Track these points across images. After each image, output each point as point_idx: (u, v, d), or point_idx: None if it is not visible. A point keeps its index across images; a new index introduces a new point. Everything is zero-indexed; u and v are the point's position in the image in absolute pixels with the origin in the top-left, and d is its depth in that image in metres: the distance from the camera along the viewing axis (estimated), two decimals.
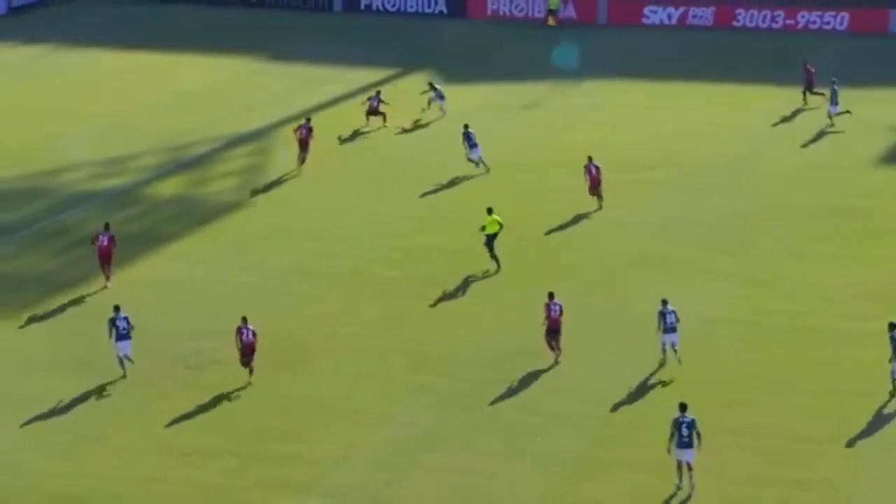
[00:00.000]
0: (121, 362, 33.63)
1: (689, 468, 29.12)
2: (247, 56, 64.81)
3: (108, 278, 38.76)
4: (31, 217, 43.93)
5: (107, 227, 39.34)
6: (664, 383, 33.44)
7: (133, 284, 39.13)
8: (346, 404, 32.74)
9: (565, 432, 31.49)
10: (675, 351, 33.95)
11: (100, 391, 32.97)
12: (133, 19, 71.70)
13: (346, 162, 50.12)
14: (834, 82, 53.56)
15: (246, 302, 38.01)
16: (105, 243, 38.66)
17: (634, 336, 35.60)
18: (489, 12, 73.26)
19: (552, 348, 34.58)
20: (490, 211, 40.51)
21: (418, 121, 54.07)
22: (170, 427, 31.45)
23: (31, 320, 36.70)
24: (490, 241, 40.08)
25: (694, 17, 70.81)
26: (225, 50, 65.58)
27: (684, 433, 28.91)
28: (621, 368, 33.90)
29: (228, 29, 70.16)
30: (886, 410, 32.28)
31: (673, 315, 33.94)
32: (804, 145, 51.64)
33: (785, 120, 54.48)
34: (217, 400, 32.79)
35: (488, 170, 48.11)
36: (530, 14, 72.75)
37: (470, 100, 57.88)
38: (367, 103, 53.48)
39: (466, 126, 48.94)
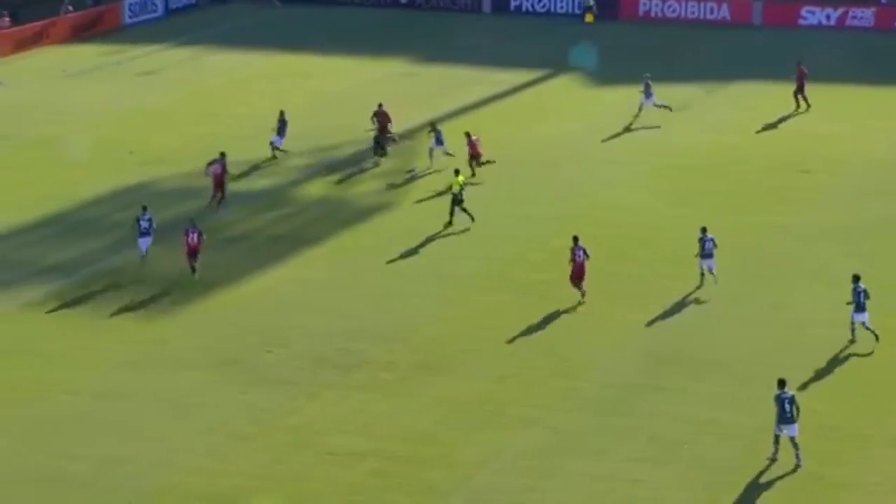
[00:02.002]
0: (142, 258, 39.12)
1: (795, 445, 29.35)
2: (395, 58, 65.06)
3: (194, 270, 38.88)
4: (184, 217, 44.47)
5: (193, 222, 39.73)
6: (815, 392, 32.62)
7: (280, 285, 39.41)
8: (490, 408, 32.51)
9: (714, 441, 30.86)
10: (713, 274, 37.91)
11: (246, 390, 33.20)
12: (284, 21, 72.48)
13: (488, 165, 49.93)
14: (647, 77, 53.31)
15: (390, 303, 38.10)
16: (195, 240, 39.02)
17: (788, 344, 34.80)
18: (641, 13, 72.56)
19: (578, 288, 37.25)
20: (457, 172, 43.15)
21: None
22: (315, 427, 31.52)
23: (179, 319, 37.11)
24: (456, 199, 42.42)
25: (854, 18, 69.22)
26: (373, 52, 65.92)
27: (787, 409, 29.36)
28: (774, 378, 33.13)
29: (378, 31, 70.55)
30: None
31: (711, 242, 37.36)
32: None
33: None
34: (362, 401, 32.80)
35: (452, 154, 47.96)
36: (682, 15, 71.86)
37: (618, 102, 57.36)
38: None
39: (434, 124, 49.28)
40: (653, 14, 72.33)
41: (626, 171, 48.85)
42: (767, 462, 29.56)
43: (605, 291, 38.71)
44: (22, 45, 66.11)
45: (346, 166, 50.11)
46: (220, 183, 44.31)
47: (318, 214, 45.48)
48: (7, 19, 67.48)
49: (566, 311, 37.53)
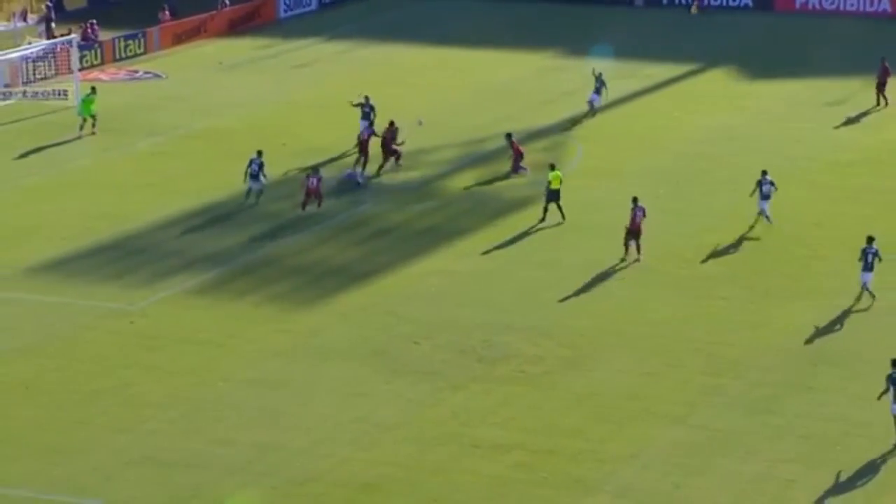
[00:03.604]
0: (248, 194, 44.32)
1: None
2: (544, 51, 64.91)
3: (304, 207, 43.42)
4: (333, 209, 44.99)
5: (316, 169, 44.54)
6: None
7: (428, 277, 39.60)
8: (637, 403, 32.26)
9: (868, 443, 30.20)
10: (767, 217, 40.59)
11: (393, 380, 33.43)
12: (433, 15, 72.76)
13: (637, 158, 49.61)
14: (599, 74, 53.03)
15: (537, 296, 38.03)
16: (314, 184, 43.61)
17: None
18: (798, 5, 71.33)
19: (629, 249, 39.12)
20: (553, 167, 42.76)
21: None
22: (460, 419, 31.61)
23: (329, 310, 37.52)
24: (552, 195, 42.39)
25: None
26: (523, 45, 65.85)
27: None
28: None
29: (527, 24, 70.46)
30: None
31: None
32: None
33: None
34: (508, 394, 32.79)
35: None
36: (841, 7, 70.45)
37: (773, 96, 56.51)
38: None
39: (368, 98, 49.71)
40: (810, 6, 71.03)
41: (782, 166, 48.03)
42: (893, 447, 29.02)
43: (759, 288, 38.15)
44: (181, 38, 67.44)
45: (494, 159, 50.12)
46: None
47: (465, 207, 45.57)
48: (167, 13, 68.89)
49: (718, 308, 37.09)
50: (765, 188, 41.80)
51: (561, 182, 42.99)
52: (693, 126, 53.04)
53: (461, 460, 29.93)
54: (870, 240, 36.84)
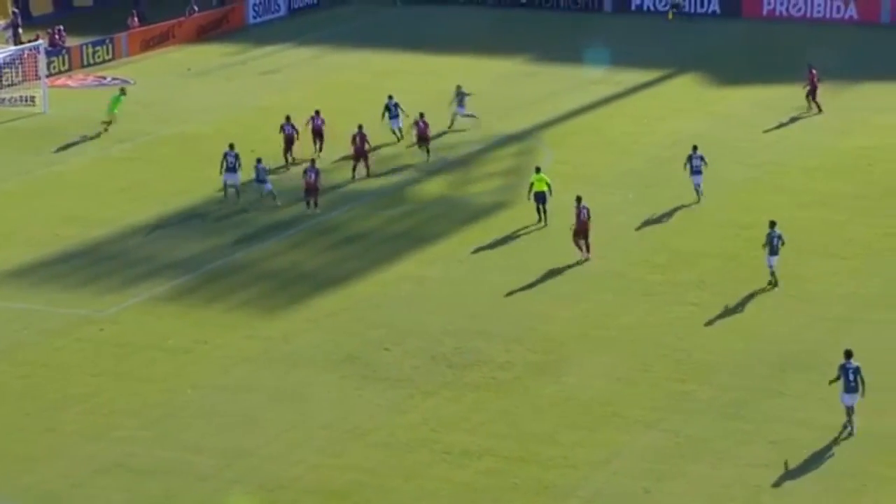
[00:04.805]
0: (225, 191, 44.92)
1: (851, 412, 30.72)
2: (514, 57, 64.97)
3: (308, 205, 44.43)
4: (301, 215, 44.90)
5: (314, 163, 45.08)
6: None
7: (397, 282, 39.55)
8: (608, 409, 32.28)
9: (839, 448, 30.27)
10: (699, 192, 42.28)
11: (363, 387, 33.35)
12: (404, 21, 72.77)
13: (607, 163, 49.71)
14: (461, 87, 53.11)
15: (507, 302, 38.03)
16: (312, 178, 44.20)
17: None
18: (765, 12, 71.63)
19: (580, 248, 39.90)
20: (538, 170, 43.53)
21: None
22: (431, 425, 31.55)
23: (299, 315, 37.41)
24: (539, 198, 42.89)
25: None
26: (492, 51, 65.89)
27: (851, 378, 30.56)
28: None
29: (498, 30, 70.53)
30: None
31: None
32: None
33: None
34: (478, 400, 32.76)
35: (400, 139, 50.50)
36: (808, 14, 70.79)
37: (741, 101, 56.70)
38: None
39: (390, 97, 51.15)
40: (777, 13, 71.35)
41: (750, 172, 48.24)
42: (846, 436, 30.32)
43: (727, 294, 38.24)
44: (150, 44, 67.20)
45: (464, 165, 50.14)
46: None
47: (436, 213, 45.54)
48: (136, 19, 68.64)
49: (688, 313, 37.15)
50: (695, 163, 44.24)
51: (549, 185, 43.12)
52: (663, 131, 53.17)
53: (432, 467, 29.89)
54: (772, 224, 38.32)
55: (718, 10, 72.31)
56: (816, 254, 40.98)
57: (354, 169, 47.92)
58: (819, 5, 70.67)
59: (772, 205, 44.13)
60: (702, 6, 72.75)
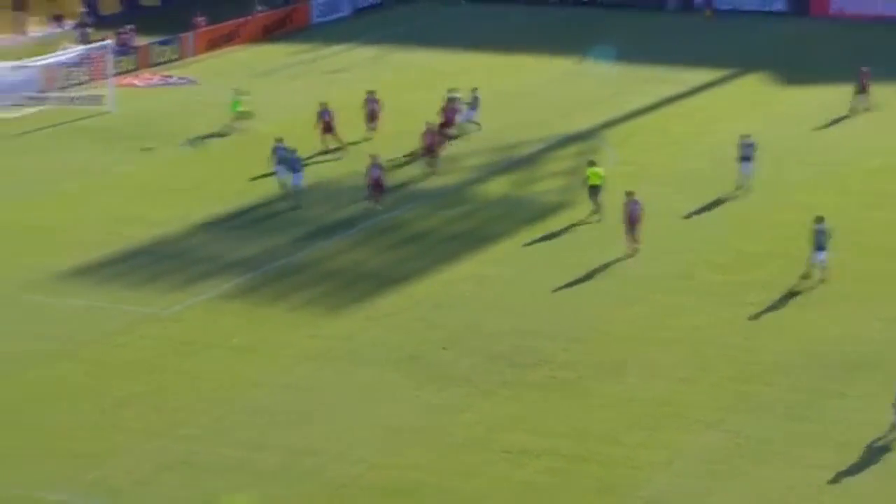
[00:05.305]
0: (284, 185, 45.27)
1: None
2: (575, 56, 64.81)
3: (376, 201, 44.42)
4: (362, 213, 45.09)
5: (376, 160, 44.82)
6: None
7: (457, 282, 39.63)
8: (669, 409, 32.18)
9: None
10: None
11: (423, 386, 33.45)
12: (468, 20, 72.83)
13: (669, 163, 49.53)
14: (476, 91, 52.59)
15: (568, 302, 38.00)
16: (376, 174, 44.25)
17: None
18: (832, 10, 71.01)
19: (630, 240, 40.27)
20: (592, 163, 43.61)
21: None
22: (491, 424, 31.59)
23: (361, 314, 37.58)
24: (593, 191, 43.06)
25: None
26: (554, 50, 65.81)
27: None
28: None
29: (558, 28, 70.43)
30: None
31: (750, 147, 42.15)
32: None
33: None
34: (538, 400, 32.76)
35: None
36: (883, 13, 70.06)
37: (805, 100, 56.32)
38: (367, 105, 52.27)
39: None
40: (845, 11, 70.70)
41: (812, 172, 47.92)
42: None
43: (789, 295, 38.00)
44: (215, 44, 67.72)
45: (526, 164, 50.16)
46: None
47: (497, 212, 45.58)
48: (202, 19, 69.20)
49: (751, 314, 36.97)
50: (745, 151, 44.73)
51: (602, 178, 43.18)
52: (726, 131, 52.86)
53: (491, 466, 29.92)
54: (819, 220, 38.36)
55: (785, 8, 71.76)
56: (880, 255, 40.61)
57: (427, 164, 48.12)
58: (888, 2, 69.90)
59: (833, 205, 43.79)
60: (765, 4, 72.26)
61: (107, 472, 29.69)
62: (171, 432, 31.32)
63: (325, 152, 50.37)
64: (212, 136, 53.26)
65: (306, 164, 47.23)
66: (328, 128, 50.66)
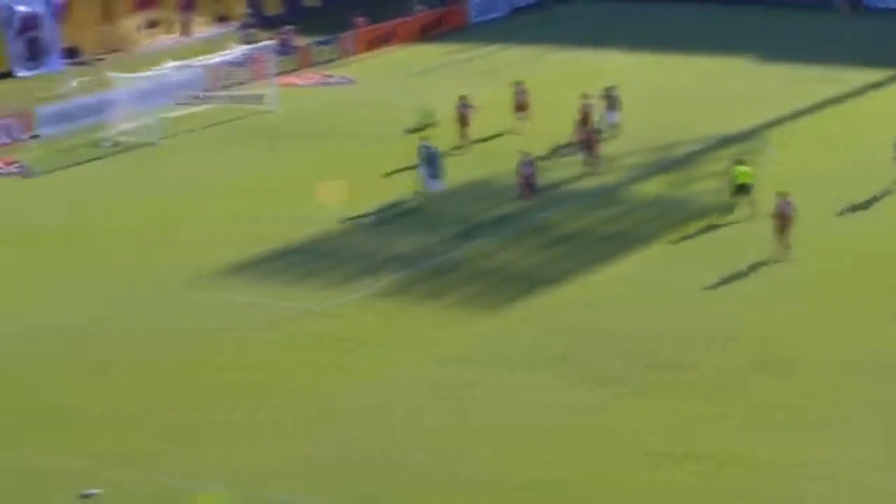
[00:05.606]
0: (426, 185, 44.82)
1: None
2: (735, 56, 64.16)
3: (529, 199, 44.74)
4: (514, 212, 45.28)
5: (529, 157, 45.16)
6: None
7: (609, 283, 39.59)
8: (833, 413, 31.69)
9: None
10: None
11: (573, 387, 33.53)
12: (628, 19, 72.35)
13: (829, 164, 48.81)
14: (613, 88, 51.41)
15: (722, 304, 37.72)
16: (528, 172, 44.78)
17: None
18: None
19: (780, 244, 39.65)
20: (740, 162, 43.50)
21: None
22: (640, 426, 31.54)
23: (513, 314, 37.78)
24: (741, 190, 42.71)
25: None
26: (714, 49, 65.18)
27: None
28: None
29: (719, 27, 69.70)
30: None
31: None
32: None
33: None
34: (689, 402, 32.59)
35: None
36: None
37: None
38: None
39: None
40: None
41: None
42: None
43: None
44: (374, 43, 68.56)
45: (682, 165, 49.82)
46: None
47: (650, 213, 45.39)
48: (362, 19, 70.09)
49: None
50: None
51: (751, 177, 42.93)
52: (891, 132, 51.81)
53: (636, 468, 29.88)
54: None
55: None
56: None
57: (584, 162, 48.13)
58: None
59: None
60: None
61: (258, 464, 30.34)
62: (325, 429, 31.85)
63: (460, 147, 50.59)
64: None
65: (452, 158, 47.44)
66: (464, 121, 50.91)
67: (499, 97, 54.77)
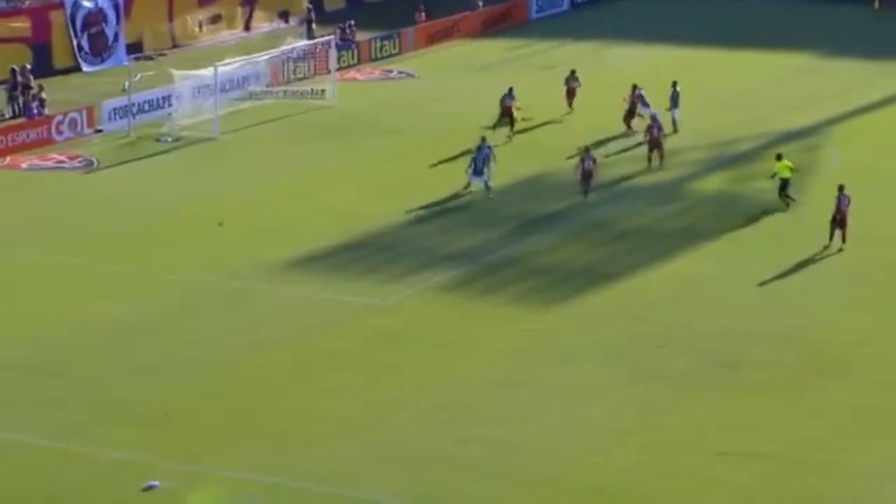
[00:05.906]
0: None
1: None
2: (795, 52, 63.71)
3: (586, 194, 44.97)
4: (573, 207, 45.22)
5: (587, 149, 45.79)
6: None
7: (669, 280, 39.45)
8: (888, 416, 31.43)
9: None
10: None
11: (633, 384, 33.45)
12: (689, 14, 72.04)
13: (883, 158, 48.49)
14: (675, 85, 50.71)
15: (783, 303, 37.49)
16: (590, 166, 44.93)
17: None
18: None
19: (832, 237, 39.85)
20: (780, 157, 43.69)
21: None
22: (700, 426, 31.39)
23: (571, 311, 37.73)
24: (783, 185, 43.19)
25: None
26: (773, 46, 64.76)
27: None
28: None
29: (777, 24, 69.23)
30: None
31: None
32: None
33: None
34: (750, 402, 32.37)
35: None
36: None
37: None
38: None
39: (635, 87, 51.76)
40: None
41: None
42: None
43: None
44: (434, 38, 68.62)
45: (743, 161, 49.55)
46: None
47: (712, 209, 45.18)
48: (423, 14, 70.17)
49: None
50: None
51: (792, 171, 42.97)
52: None
53: (698, 469, 29.72)
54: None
55: None
56: None
57: (650, 160, 48.12)
58: None
59: None
60: None
61: (319, 460, 30.47)
62: (380, 424, 31.92)
63: (509, 137, 50.94)
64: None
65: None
66: (508, 112, 50.94)
67: (556, 93, 54.69)
